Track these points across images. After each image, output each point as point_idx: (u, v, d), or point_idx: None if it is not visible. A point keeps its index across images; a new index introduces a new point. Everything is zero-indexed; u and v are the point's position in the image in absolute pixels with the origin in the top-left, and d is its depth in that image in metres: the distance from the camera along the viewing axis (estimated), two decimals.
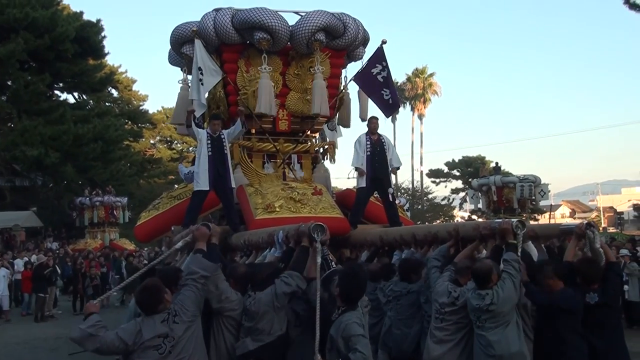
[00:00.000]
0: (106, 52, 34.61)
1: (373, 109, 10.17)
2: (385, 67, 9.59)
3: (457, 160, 54.36)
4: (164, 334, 4.28)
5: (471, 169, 50.03)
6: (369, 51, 10.22)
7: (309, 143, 10.41)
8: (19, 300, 18.41)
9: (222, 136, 8.74)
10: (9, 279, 17.15)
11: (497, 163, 32.40)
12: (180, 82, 10.65)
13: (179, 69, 11.02)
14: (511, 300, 5.05)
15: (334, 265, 5.28)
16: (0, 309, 16.57)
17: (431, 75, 56.08)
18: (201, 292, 4.65)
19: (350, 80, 10.29)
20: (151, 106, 75.65)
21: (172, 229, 8.77)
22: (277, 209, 8.64)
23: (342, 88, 10.61)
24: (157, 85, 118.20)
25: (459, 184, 54.48)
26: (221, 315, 4.94)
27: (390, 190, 9.06)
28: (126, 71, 44.58)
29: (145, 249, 27.96)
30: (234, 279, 5.14)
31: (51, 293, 17.24)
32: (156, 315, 4.32)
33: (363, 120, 10.09)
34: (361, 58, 10.53)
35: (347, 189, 11.91)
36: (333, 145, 10.76)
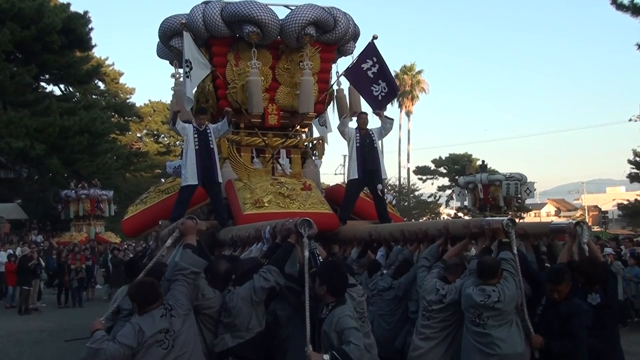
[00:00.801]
0: (93, 44, 34.56)
1: (365, 105, 10.14)
2: (377, 63, 9.51)
3: (443, 158, 54.63)
4: (165, 329, 4.26)
5: (458, 167, 50.30)
6: (360, 46, 10.17)
7: (299, 138, 10.34)
8: (3, 292, 18.26)
9: (208, 130, 8.65)
10: None
11: (483, 161, 32.58)
12: (173, 75, 10.51)
13: (168, 62, 10.91)
14: (515, 298, 5.03)
15: (320, 259, 5.21)
16: None
17: (419, 72, 56.27)
18: (192, 287, 4.61)
19: (340, 76, 10.26)
20: (138, 99, 75.30)
21: (160, 223, 8.69)
22: (266, 204, 8.57)
23: (332, 83, 10.56)
24: (144, 79, 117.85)
25: (445, 181, 54.77)
26: (199, 314, 4.82)
27: (380, 186, 9.03)
28: (113, 64, 44.40)
29: (132, 242, 27.85)
30: (213, 276, 5.04)
31: (35, 286, 17.14)
32: (153, 311, 4.29)
33: (354, 115, 10.06)
34: (352, 53, 10.47)
35: (336, 184, 11.90)
36: (322, 141, 10.72)
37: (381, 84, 9.55)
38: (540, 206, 66.92)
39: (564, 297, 5.05)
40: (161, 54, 10.90)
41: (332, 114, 10.94)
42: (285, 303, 5.00)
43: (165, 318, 4.29)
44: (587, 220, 48.75)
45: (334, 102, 10.72)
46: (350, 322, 4.39)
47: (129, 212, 10.26)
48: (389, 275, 6.46)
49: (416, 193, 55.49)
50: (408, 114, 56.42)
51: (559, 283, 5.04)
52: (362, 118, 9.23)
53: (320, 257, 5.16)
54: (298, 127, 10.33)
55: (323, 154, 10.65)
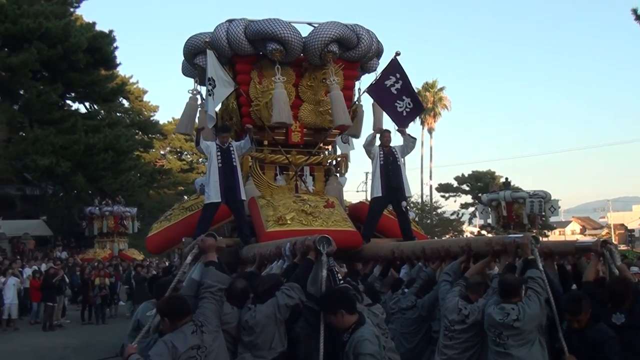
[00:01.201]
0: (118, 62, 34.85)
1: (388, 122, 10.11)
2: (400, 79, 9.48)
3: (466, 175, 54.35)
4: (197, 345, 4.25)
5: (481, 184, 49.96)
6: (383, 63, 10.16)
7: (322, 155, 10.36)
8: (28, 309, 18.38)
9: (231, 148, 8.69)
10: (18, 288, 17.13)
11: (507, 178, 32.30)
12: (190, 91, 10.59)
13: (192, 80, 10.99)
14: (537, 318, 4.90)
15: (340, 278, 5.13)
16: (9, 318, 16.54)
17: (441, 89, 56.11)
18: (219, 303, 4.61)
19: (363, 92, 10.25)
20: (162, 117, 76.20)
21: (183, 240, 8.72)
22: (289, 222, 8.57)
23: (355, 100, 10.56)
24: (168, 97, 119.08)
25: (468, 198, 54.41)
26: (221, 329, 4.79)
27: (404, 203, 8.97)
28: (137, 82, 44.95)
29: (155, 259, 27.98)
30: (230, 293, 4.95)
31: (60, 302, 17.21)
32: (184, 327, 4.29)
33: (377, 132, 10.01)
34: (375, 70, 10.49)
35: (360, 202, 11.83)
36: (346, 158, 10.71)
37: (405, 100, 9.50)
38: (564, 224, 66.19)
39: (585, 324, 4.92)
40: (186, 72, 10.99)
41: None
42: (303, 321, 4.94)
43: (197, 334, 4.28)
44: (613, 239, 48.16)
45: (356, 119, 10.71)
46: (368, 348, 4.31)
47: (153, 229, 10.31)
48: (411, 293, 6.37)
49: (439, 210, 55.11)
50: (430, 131, 56.23)
51: (578, 313, 4.91)
52: (386, 136, 9.19)
53: (339, 275, 5.11)
54: (321, 145, 10.32)
55: (346, 171, 10.63)
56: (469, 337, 5.21)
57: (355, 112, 10.63)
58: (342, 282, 5.09)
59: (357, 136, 11.16)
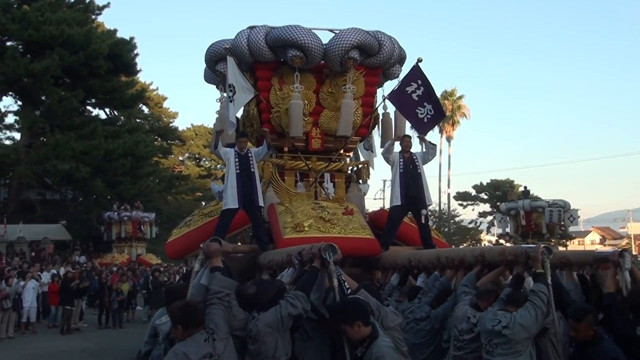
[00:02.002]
0: (138, 69, 35.19)
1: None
2: (421, 85, 9.41)
3: (485, 184, 54.10)
4: (209, 353, 4.21)
5: (499, 193, 49.69)
6: (406, 70, 10.10)
7: (342, 162, 10.30)
8: (46, 312, 18.51)
9: (250, 154, 8.68)
10: (37, 291, 17.25)
11: (525, 187, 32.06)
12: (218, 100, 10.62)
13: (211, 87, 11.01)
14: (528, 330, 4.82)
15: (347, 286, 5.01)
16: (28, 321, 16.65)
17: (460, 97, 55.88)
18: (228, 309, 4.59)
19: (384, 99, 10.19)
20: (181, 123, 76.42)
21: (201, 246, 8.71)
22: (306, 229, 8.50)
23: (376, 107, 10.50)
24: (188, 103, 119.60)
25: (486, 207, 54.13)
26: (231, 336, 4.70)
27: (424, 211, 8.88)
28: (157, 88, 45.26)
29: (172, 264, 28.08)
30: (240, 299, 4.92)
31: (77, 306, 17.33)
32: (196, 336, 4.25)
33: (398, 139, 9.96)
34: (397, 76, 10.42)
35: (380, 209, 11.76)
36: (367, 165, 10.63)
37: (427, 106, 9.45)
38: (584, 234, 65.53)
39: (586, 338, 4.76)
40: (208, 78, 11.02)
41: (378, 138, 10.87)
42: (302, 329, 4.88)
43: (209, 342, 4.24)
44: (633, 249, 47.57)
45: (379, 126, 10.66)
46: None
47: (172, 234, 10.32)
48: (426, 303, 6.29)
49: (457, 219, 54.83)
50: (449, 139, 55.96)
51: (579, 321, 4.77)
52: (406, 141, 9.13)
53: (346, 283, 5.02)
54: (342, 151, 10.29)
55: (368, 178, 10.56)
56: (478, 346, 5.13)
57: (377, 119, 10.58)
58: (349, 291, 4.98)
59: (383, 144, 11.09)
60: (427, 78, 9.47)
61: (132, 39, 33.62)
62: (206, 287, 4.76)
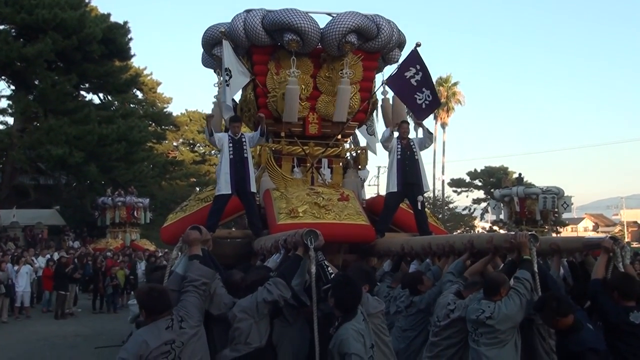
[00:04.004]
0: (132, 54, 34.90)
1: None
2: (420, 70, 9.31)
3: (479, 170, 54.09)
4: (171, 340, 4.12)
5: (493, 180, 49.72)
6: (406, 54, 9.93)
7: (340, 147, 10.22)
8: (40, 297, 18.51)
9: (243, 139, 8.63)
10: (31, 276, 17.23)
11: (520, 174, 32.15)
12: (216, 84, 10.53)
13: (204, 73, 10.96)
14: (513, 319, 4.81)
15: (330, 272, 5.00)
16: (22, 306, 16.65)
17: (455, 84, 55.72)
18: (203, 298, 4.52)
19: (382, 84, 10.10)
20: (175, 109, 76.31)
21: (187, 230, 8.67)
22: (301, 214, 8.43)
23: (375, 91, 10.42)
24: (181, 89, 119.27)
25: (480, 194, 54.19)
26: (222, 322, 4.73)
27: (420, 198, 8.85)
28: (151, 73, 44.96)
29: (166, 250, 28.06)
30: (229, 286, 4.95)
31: (72, 291, 17.35)
32: (159, 322, 4.17)
33: (397, 125, 9.90)
34: (397, 61, 10.29)
35: (378, 195, 11.70)
36: (365, 151, 10.57)
37: (425, 92, 9.36)
38: (577, 221, 65.80)
39: (564, 327, 4.72)
40: (205, 62, 10.94)
41: (381, 123, 10.82)
42: (282, 316, 4.88)
43: (172, 329, 4.15)
44: (625, 236, 47.78)
45: (377, 111, 10.59)
46: (351, 347, 4.23)
47: (168, 219, 10.28)
48: (407, 292, 6.26)
49: (450, 205, 54.92)
50: (443, 125, 55.87)
51: (539, 311, 4.79)
52: (404, 128, 9.08)
53: (329, 268, 5.01)
54: (339, 137, 10.23)
55: (366, 164, 10.50)
56: (452, 332, 5.14)
57: (375, 104, 10.51)
58: (332, 276, 4.96)
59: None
60: (424, 63, 9.39)
61: (125, 23, 33.34)
62: (181, 276, 4.67)
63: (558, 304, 4.70)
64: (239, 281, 5.05)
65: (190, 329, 4.24)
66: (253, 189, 8.68)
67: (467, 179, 54.73)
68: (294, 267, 4.98)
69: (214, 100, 10.52)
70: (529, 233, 5.33)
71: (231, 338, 4.64)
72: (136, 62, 39.21)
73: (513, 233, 5.56)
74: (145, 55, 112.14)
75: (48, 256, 19.54)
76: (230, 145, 8.52)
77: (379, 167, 39.90)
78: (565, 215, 34.49)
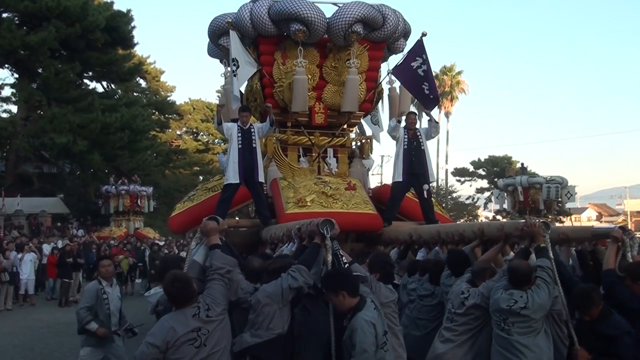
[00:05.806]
0: (135, 42, 35.03)
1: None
2: (426, 61, 9.31)
3: (483, 160, 54.06)
4: (197, 327, 4.17)
5: (497, 169, 49.70)
6: (411, 44, 9.82)
7: (346, 137, 10.22)
8: (43, 284, 18.59)
9: (252, 129, 8.64)
10: (35, 264, 17.30)
11: (523, 164, 32.12)
12: (223, 75, 10.53)
13: (209, 62, 10.93)
14: (544, 307, 4.81)
15: (345, 261, 4.98)
16: (26, 293, 16.73)
17: (459, 73, 55.50)
18: (228, 286, 4.56)
19: (388, 74, 10.09)
20: (178, 97, 76.18)
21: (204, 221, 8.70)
22: (309, 204, 8.47)
23: (381, 81, 10.40)
24: (185, 77, 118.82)
25: (484, 183, 54.18)
26: (239, 308, 4.73)
27: (426, 186, 8.87)
28: (155, 62, 45.02)
29: (169, 237, 28.15)
30: (247, 273, 4.96)
31: (75, 279, 17.44)
32: (186, 310, 4.21)
33: (402, 115, 9.89)
34: (402, 51, 10.26)
35: (384, 184, 11.71)
36: (370, 140, 10.58)
37: (430, 83, 9.36)
38: (580, 210, 65.67)
39: (597, 317, 4.79)
40: (211, 52, 10.92)
41: (386, 112, 10.79)
42: (302, 304, 4.87)
43: (198, 317, 4.20)
44: (629, 226, 47.77)
45: (382, 101, 10.58)
46: (360, 340, 4.23)
47: (176, 209, 10.32)
48: (426, 281, 6.25)
49: (454, 195, 54.91)
50: (447, 114, 55.73)
51: (588, 308, 4.80)
52: (411, 118, 9.08)
53: (343, 258, 5.03)
54: (345, 127, 10.23)
55: (370, 153, 10.51)
56: (468, 320, 5.12)
57: (380, 94, 10.50)
58: (346, 265, 4.96)
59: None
60: (427, 55, 9.37)
61: (129, 11, 33.41)
62: (200, 265, 4.74)
63: (597, 294, 4.80)
64: (257, 268, 5.08)
65: (217, 317, 4.29)
66: (261, 178, 8.70)
67: (471, 168, 54.76)
68: (315, 255, 4.99)
69: (219, 89, 10.53)
70: (542, 221, 5.32)
71: (252, 323, 4.63)
72: (139, 51, 39.37)
73: (524, 221, 5.56)
74: (148, 43, 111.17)
75: (53, 244, 19.60)
76: (239, 135, 8.54)
77: (382, 156, 39.84)
78: (568, 205, 34.47)
